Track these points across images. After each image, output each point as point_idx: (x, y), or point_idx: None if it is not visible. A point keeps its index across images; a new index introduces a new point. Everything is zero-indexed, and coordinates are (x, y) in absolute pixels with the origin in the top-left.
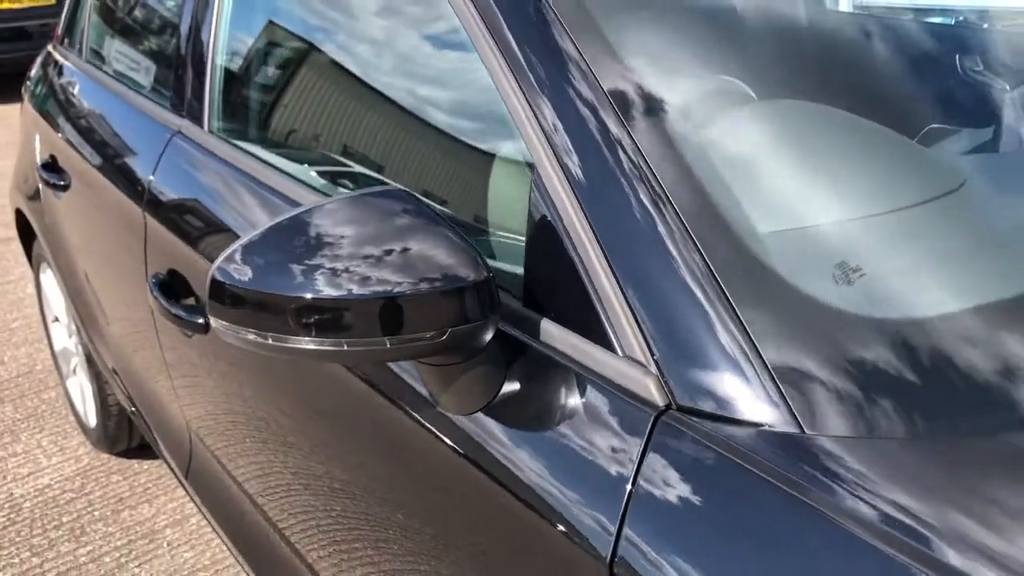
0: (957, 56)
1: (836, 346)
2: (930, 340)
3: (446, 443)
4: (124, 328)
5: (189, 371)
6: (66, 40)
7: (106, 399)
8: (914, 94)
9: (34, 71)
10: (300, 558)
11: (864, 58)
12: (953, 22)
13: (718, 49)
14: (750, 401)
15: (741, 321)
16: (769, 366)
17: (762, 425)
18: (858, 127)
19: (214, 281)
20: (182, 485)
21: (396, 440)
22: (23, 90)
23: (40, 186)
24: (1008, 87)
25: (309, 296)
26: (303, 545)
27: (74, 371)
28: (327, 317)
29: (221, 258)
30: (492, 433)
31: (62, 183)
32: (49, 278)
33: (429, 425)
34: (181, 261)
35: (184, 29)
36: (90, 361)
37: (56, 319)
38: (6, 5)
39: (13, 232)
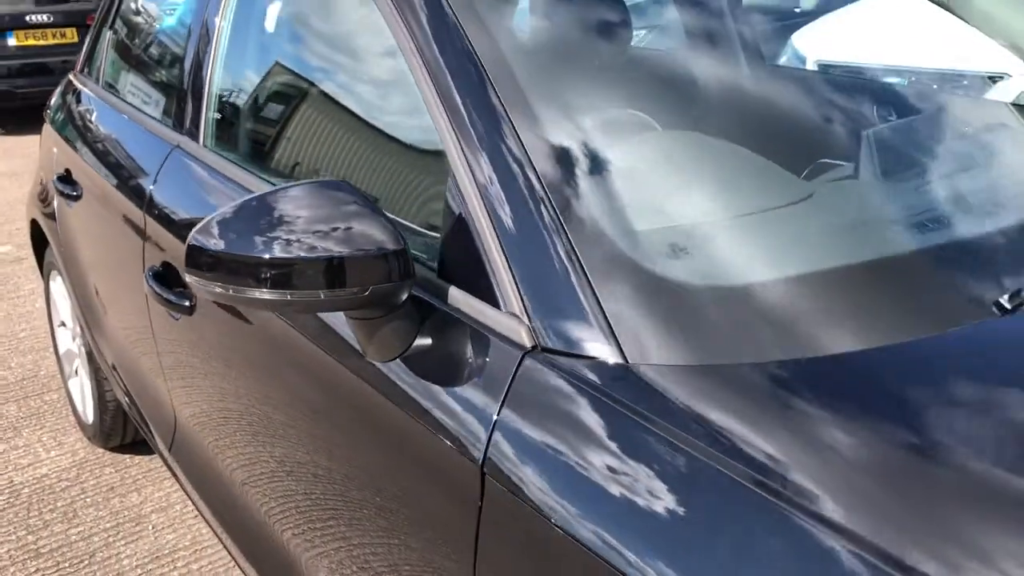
0: (827, 99)
1: (658, 301)
2: (728, 298)
3: (370, 385)
4: (123, 322)
5: (175, 352)
6: (85, 69)
7: (104, 395)
8: (789, 131)
9: (55, 98)
10: (254, 500)
11: (754, 100)
12: (906, 82)
13: (632, 92)
14: (591, 341)
15: (591, 284)
16: (608, 316)
17: (598, 358)
18: (728, 153)
19: (191, 246)
20: (164, 461)
21: (334, 386)
22: (44, 115)
23: (55, 198)
24: (870, 127)
25: (267, 256)
26: (255, 485)
27: (75, 372)
28: (279, 273)
29: (197, 228)
30: (404, 376)
31: (75, 193)
32: (58, 284)
33: (358, 373)
34: (173, 254)
35: (187, 63)
36: (91, 359)
37: (62, 323)
38: (31, 42)
39: (25, 252)
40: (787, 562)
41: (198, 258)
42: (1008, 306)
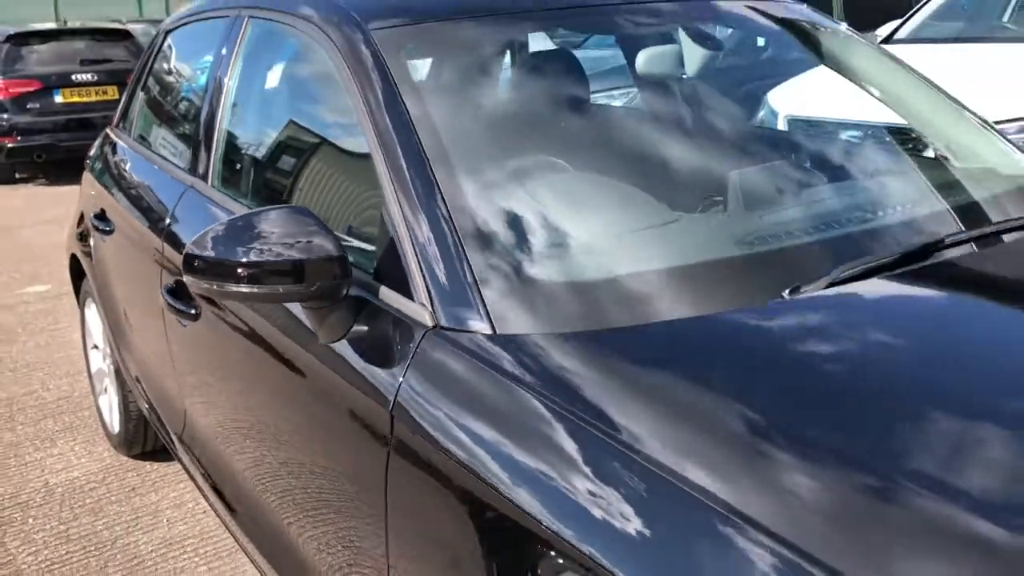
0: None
1: (520, 293)
2: (574, 288)
3: (320, 360)
4: (144, 336)
5: (183, 351)
6: (120, 124)
7: (128, 407)
8: (672, 173)
9: (94, 149)
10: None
11: (646, 149)
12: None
13: (550, 142)
14: (472, 320)
15: (477, 283)
16: (486, 304)
17: (476, 332)
18: (615, 189)
19: (186, 254)
20: (174, 451)
21: (296, 363)
22: (85, 165)
23: (92, 235)
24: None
25: (243, 260)
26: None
27: (104, 390)
28: (251, 273)
29: (193, 240)
30: (345, 353)
31: (108, 229)
32: (92, 312)
33: (313, 352)
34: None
35: (201, 117)
36: (118, 375)
37: (95, 346)
38: (76, 99)
39: (65, 289)
40: (628, 487)
41: (192, 263)
42: (787, 296)
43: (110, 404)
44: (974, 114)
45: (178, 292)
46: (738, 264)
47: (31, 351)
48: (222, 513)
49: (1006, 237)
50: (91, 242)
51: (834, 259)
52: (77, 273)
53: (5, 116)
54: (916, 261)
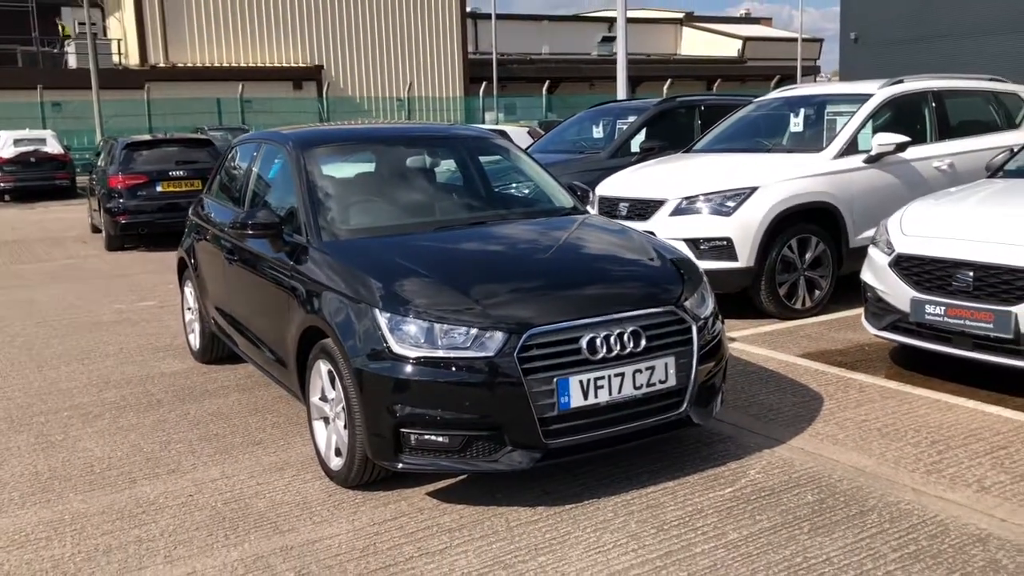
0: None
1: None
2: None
3: (270, 270)
4: (216, 285)
5: (229, 281)
6: (207, 190)
7: (205, 330)
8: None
9: (192, 206)
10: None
11: (418, 196)
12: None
13: (395, 199)
14: (313, 239)
15: (319, 229)
16: (322, 236)
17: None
18: (398, 210)
19: (236, 221)
20: (223, 336)
21: (267, 274)
22: (189, 212)
23: (192, 243)
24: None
25: (250, 222)
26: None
27: (192, 330)
28: (256, 227)
29: (238, 219)
30: (281, 262)
31: (200, 236)
32: (188, 289)
33: (268, 267)
34: (233, 243)
35: (244, 182)
36: (201, 316)
37: (188, 308)
38: (171, 189)
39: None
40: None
41: (240, 225)
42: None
43: (195, 335)
44: (554, 178)
45: (231, 251)
46: (433, 223)
47: (147, 329)
48: (244, 347)
49: (494, 225)
50: (190, 245)
51: (449, 221)
52: (181, 268)
53: (121, 201)
54: (474, 225)
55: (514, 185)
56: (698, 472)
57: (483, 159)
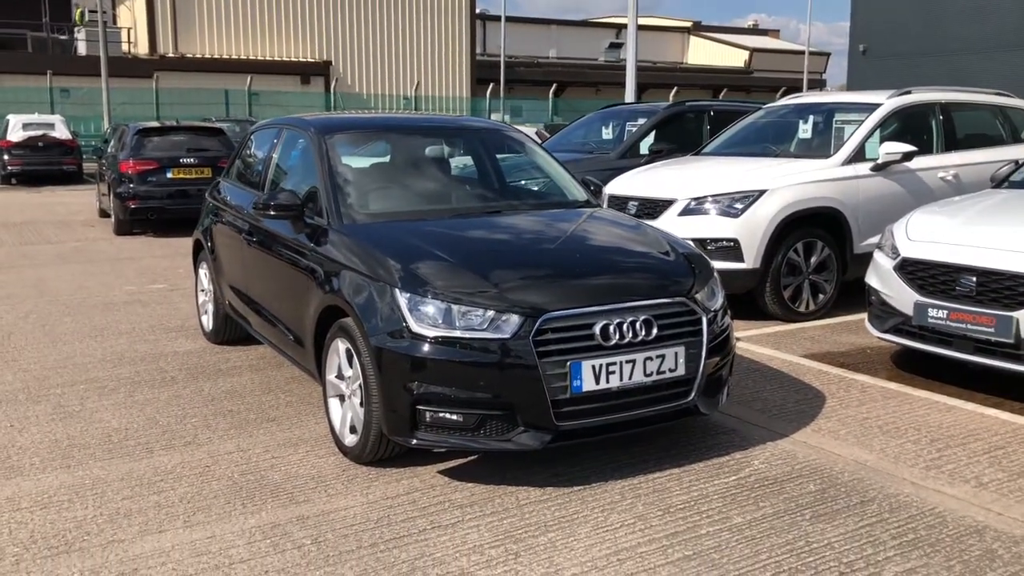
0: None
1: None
2: (374, 213)
3: (289, 251)
4: (232, 267)
5: (246, 263)
6: (225, 174)
7: (219, 311)
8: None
9: (210, 188)
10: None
11: (444, 184)
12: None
13: (409, 189)
14: (335, 222)
15: (340, 212)
16: (342, 218)
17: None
18: (427, 196)
19: (258, 202)
20: (237, 317)
21: (283, 256)
22: (206, 195)
23: (209, 224)
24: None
25: (272, 203)
26: (258, 299)
27: (205, 311)
28: (276, 207)
29: (260, 200)
30: (301, 242)
31: (217, 218)
32: (203, 270)
33: (289, 247)
34: (250, 225)
35: (262, 167)
36: (215, 297)
37: (202, 289)
38: (181, 176)
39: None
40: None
41: (262, 206)
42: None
43: (207, 317)
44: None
45: (250, 232)
46: (449, 211)
47: (159, 310)
48: (259, 327)
49: (510, 214)
50: (207, 227)
51: (466, 209)
52: (196, 251)
53: (131, 186)
54: (490, 214)
55: (529, 177)
56: (703, 460)
57: (499, 152)
